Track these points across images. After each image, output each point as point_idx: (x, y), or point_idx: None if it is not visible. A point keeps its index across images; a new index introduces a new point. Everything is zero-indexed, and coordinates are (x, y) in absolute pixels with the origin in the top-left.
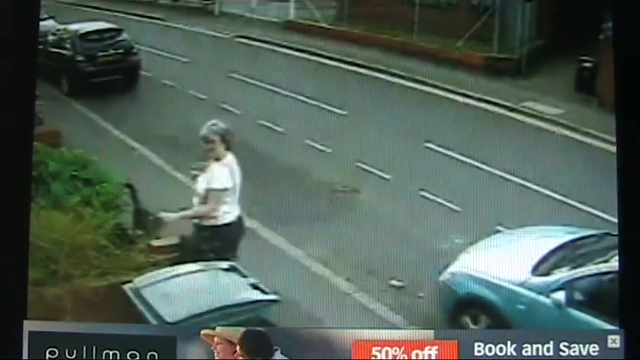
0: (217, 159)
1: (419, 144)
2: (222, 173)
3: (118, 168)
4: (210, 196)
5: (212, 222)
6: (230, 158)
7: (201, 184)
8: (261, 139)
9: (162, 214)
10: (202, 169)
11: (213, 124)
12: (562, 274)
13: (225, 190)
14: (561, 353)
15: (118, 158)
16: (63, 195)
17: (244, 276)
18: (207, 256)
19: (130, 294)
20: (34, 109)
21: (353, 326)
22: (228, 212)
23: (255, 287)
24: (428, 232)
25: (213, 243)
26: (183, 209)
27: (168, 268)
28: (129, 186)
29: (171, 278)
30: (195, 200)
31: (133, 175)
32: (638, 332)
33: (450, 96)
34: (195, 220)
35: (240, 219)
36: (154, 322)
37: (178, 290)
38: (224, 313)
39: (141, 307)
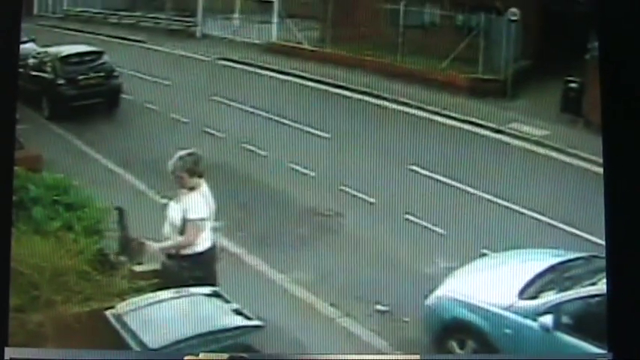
0: (191, 188)
1: (403, 167)
2: (199, 203)
3: (99, 193)
4: (189, 226)
5: (189, 250)
6: (203, 186)
7: (176, 214)
8: (244, 163)
9: (145, 241)
10: (174, 198)
11: (181, 157)
12: (549, 298)
13: (203, 219)
14: None
15: (100, 183)
16: (44, 220)
17: (227, 301)
18: (189, 283)
19: (113, 320)
20: (14, 133)
21: (338, 352)
22: (204, 240)
23: (239, 313)
24: (413, 256)
25: (193, 271)
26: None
27: (151, 294)
28: (119, 210)
29: (154, 304)
30: (168, 230)
31: (115, 199)
32: (627, 355)
33: (435, 118)
34: (173, 251)
35: (214, 245)
36: (136, 348)
37: (161, 316)
38: (207, 339)
39: (123, 333)
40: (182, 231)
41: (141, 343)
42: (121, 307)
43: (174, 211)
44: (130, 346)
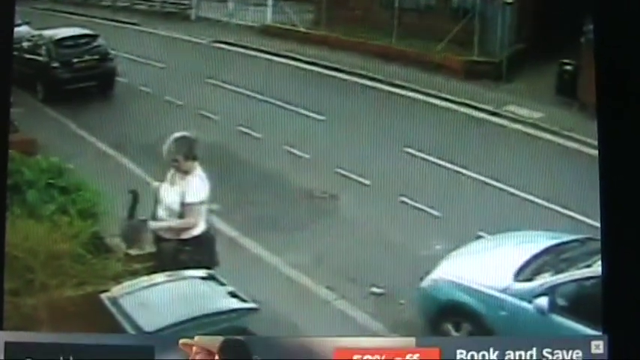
0: (185, 172)
1: (398, 149)
2: (197, 186)
3: (94, 176)
4: (190, 209)
5: (187, 234)
6: (198, 169)
7: (173, 198)
8: (239, 145)
9: (148, 220)
10: (167, 181)
11: (176, 140)
12: (544, 280)
13: (202, 202)
14: (544, 359)
15: (95, 166)
16: (39, 204)
17: (222, 284)
18: (186, 266)
19: (108, 303)
20: (9, 116)
21: (334, 334)
22: (201, 222)
23: (234, 295)
24: (408, 239)
25: (193, 254)
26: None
27: (146, 277)
28: (133, 193)
29: (149, 287)
30: (163, 214)
31: (110, 182)
32: (622, 337)
33: (430, 100)
34: (170, 234)
35: (210, 227)
36: (132, 331)
37: (156, 299)
38: (202, 322)
39: (119, 316)
40: (181, 214)
41: (136, 326)
42: (116, 290)
43: (171, 195)
44: (125, 329)
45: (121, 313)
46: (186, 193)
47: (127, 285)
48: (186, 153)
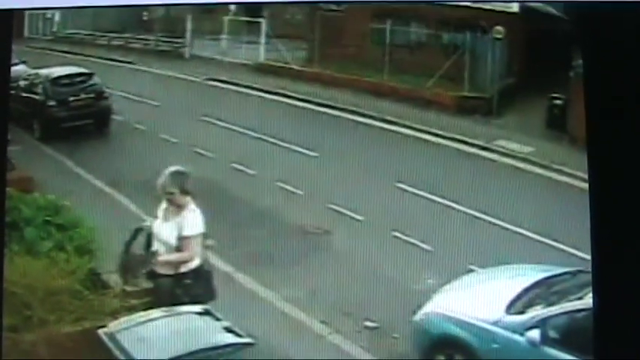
0: (179, 206)
1: (390, 184)
2: (194, 219)
3: (90, 213)
4: (187, 242)
5: (185, 267)
6: (192, 203)
7: (170, 232)
8: (233, 182)
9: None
10: (161, 216)
11: (172, 174)
12: (536, 312)
13: (199, 235)
14: None
15: (91, 203)
16: (36, 240)
17: (218, 319)
18: (182, 300)
19: (105, 339)
20: (6, 154)
21: None
22: (198, 255)
23: (229, 330)
24: (401, 273)
25: (189, 288)
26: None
27: (143, 313)
28: (136, 230)
29: (146, 322)
30: (162, 248)
31: (106, 219)
32: None
33: (422, 135)
34: (165, 269)
35: (205, 262)
36: None
37: (153, 334)
38: (199, 357)
39: (116, 351)
40: (179, 248)
41: None
42: (114, 325)
43: (167, 230)
44: None
45: (118, 348)
46: (183, 227)
47: (124, 320)
48: (182, 187)
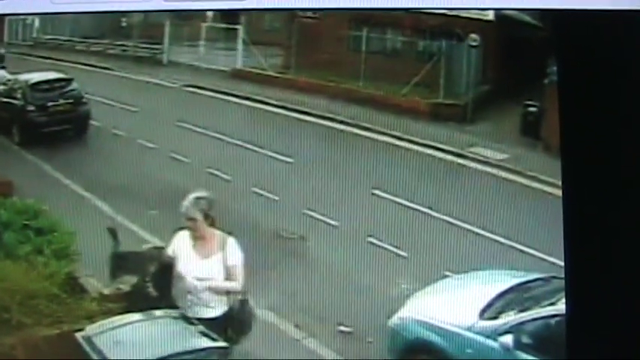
0: (201, 237)
1: (366, 191)
2: (231, 249)
3: (68, 217)
4: (234, 271)
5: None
6: (231, 239)
7: (211, 269)
8: (208, 187)
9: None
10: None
11: (197, 198)
12: (509, 318)
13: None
14: None
15: (69, 207)
16: (15, 244)
17: (193, 323)
18: (159, 304)
19: (82, 342)
20: None
21: None
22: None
23: (205, 334)
24: (376, 278)
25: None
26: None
27: (120, 316)
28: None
29: (123, 326)
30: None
31: (84, 223)
32: None
33: (397, 142)
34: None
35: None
36: None
37: (130, 338)
38: None
39: (92, 355)
40: (229, 276)
41: None
42: (91, 328)
43: (207, 267)
44: None
45: (95, 352)
46: (226, 258)
47: (101, 324)
48: (207, 212)
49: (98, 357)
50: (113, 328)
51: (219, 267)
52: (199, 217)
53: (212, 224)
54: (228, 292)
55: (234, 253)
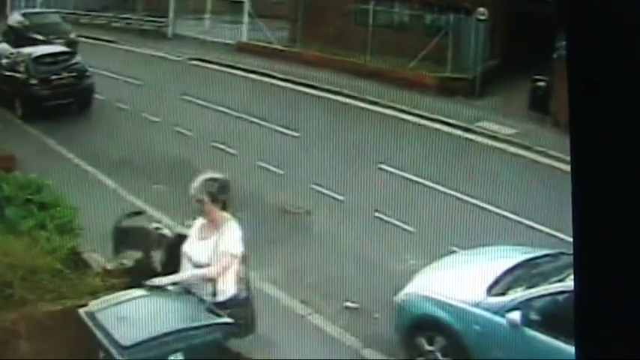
0: (212, 221)
1: (373, 165)
2: (232, 237)
3: (72, 191)
4: (219, 258)
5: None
6: (232, 223)
7: (203, 251)
8: (213, 161)
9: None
10: (195, 234)
11: (206, 180)
12: (517, 294)
13: (235, 256)
14: None
15: (72, 182)
16: (17, 219)
17: (199, 299)
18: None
19: (85, 318)
20: None
21: (308, 348)
22: (231, 283)
23: (210, 310)
24: (382, 254)
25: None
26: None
27: (124, 292)
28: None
29: (127, 302)
30: (188, 267)
31: (87, 198)
32: (593, 351)
33: (404, 116)
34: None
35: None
36: (108, 346)
37: (134, 314)
38: (179, 336)
39: (96, 330)
40: (211, 264)
41: (113, 341)
42: (94, 304)
43: (200, 249)
44: (102, 343)
45: (98, 327)
46: (219, 244)
47: (104, 299)
48: (213, 195)
49: (101, 333)
50: (117, 304)
51: (210, 251)
52: (206, 199)
53: (223, 207)
54: (210, 280)
55: (228, 239)
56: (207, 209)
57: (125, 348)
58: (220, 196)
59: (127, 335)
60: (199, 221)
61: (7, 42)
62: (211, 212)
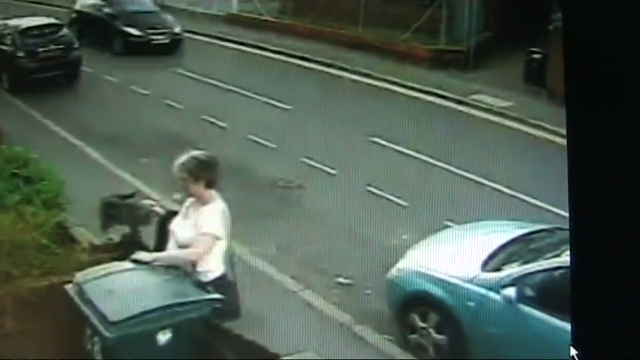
0: (199, 199)
1: (365, 138)
2: (214, 217)
3: (59, 165)
4: (201, 238)
5: (203, 277)
6: (218, 202)
7: (185, 230)
8: (203, 135)
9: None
10: (181, 213)
11: (189, 158)
12: (512, 270)
13: (217, 237)
14: None
15: (59, 155)
16: (3, 193)
17: (187, 274)
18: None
19: (72, 290)
20: None
21: (299, 324)
22: (217, 263)
23: (199, 286)
24: (375, 228)
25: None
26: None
27: (111, 264)
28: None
29: (114, 274)
30: (174, 247)
31: (74, 171)
32: (589, 328)
33: (397, 89)
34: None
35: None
36: (95, 321)
37: (121, 287)
38: (168, 312)
39: (82, 305)
40: (192, 245)
41: (101, 316)
42: (81, 275)
43: (183, 228)
44: (89, 318)
45: (84, 301)
46: (202, 224)
47: (92, 271)
48: (196, 173)
49: (88, 308)
50: (104, 276)
51: (192, 231)
52: (187, 177)
53: (208, 185)
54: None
55: (210, 220)
56: (190, 187)
57: (113, 324)
58: (203, 174)
59: (114, 309)
60: (189, 200)
61: (79, 33)
62: (194, 190)
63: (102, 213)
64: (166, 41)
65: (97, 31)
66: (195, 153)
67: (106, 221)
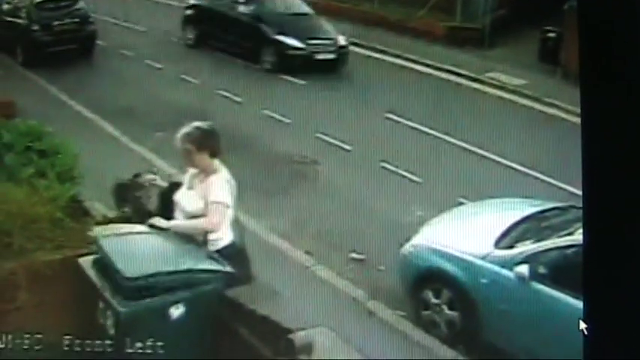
0: (204, 171)
1: (380, 115)
2: (222, 186)
3: (73, 139)
4: (212, 208)
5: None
6: (224, 172)
7: (193, 201)
8: (219, 109)
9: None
10: (185, 184)
11: (193, 129)
12: (525, 247)
13: (227, 206)
14: None
15: (74, 129)
16: (17, 167)
17: (202, 244)
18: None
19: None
20: None
21: (312, 300)
22: (226, 232)
23: (212, 258)
24: (389, 204)
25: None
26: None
27: (129, 225)
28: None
29: (131, 235)
30: (181, 219)
31: (89, 145)
32: (600, 305)
33: (412, 66)
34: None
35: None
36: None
37: (138, 247)
38: (181, 277)
39: (101, 257)
40: (205, 214)
41: (115, 270)
42: (99, 230)
43: (189, 199)
44: (106, 272)
45: (102, 254)
46: (210, 193)
47: (110, 228)
48: (199, 143)
49: (105, 259)
50: (122, 235)
51: (198, 201)
52: (191, 147)
53: (212, 155)
54: (206, 233)
55: (217, 189)
56: (194, 158)
57: (129, 279)
58: (206, 143)
59: (129, 266)
60: (191, 170)
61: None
62: (199, 161)
63: (115, 195)
64: (332, 57)
65: (232, 37)
66: (198, 123)
67: (119, 204)
